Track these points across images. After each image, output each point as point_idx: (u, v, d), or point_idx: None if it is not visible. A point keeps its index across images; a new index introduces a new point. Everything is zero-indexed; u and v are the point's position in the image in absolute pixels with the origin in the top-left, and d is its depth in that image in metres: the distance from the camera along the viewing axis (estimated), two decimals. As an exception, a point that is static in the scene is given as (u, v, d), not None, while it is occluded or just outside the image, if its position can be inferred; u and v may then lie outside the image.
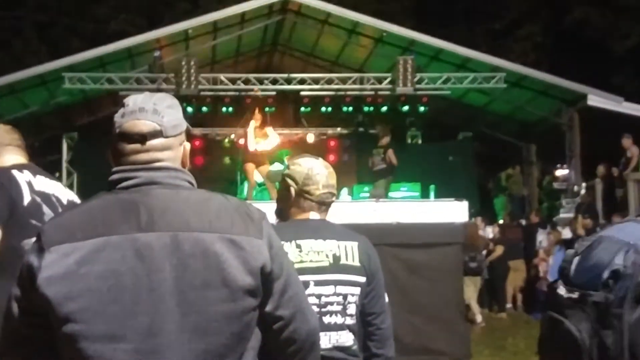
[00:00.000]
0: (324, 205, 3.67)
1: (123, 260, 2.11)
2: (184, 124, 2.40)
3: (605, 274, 1.90)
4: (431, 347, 10.69)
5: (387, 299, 3.76)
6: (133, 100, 2.34)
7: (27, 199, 3.48)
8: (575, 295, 1.98)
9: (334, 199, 3.71)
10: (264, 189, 16.98)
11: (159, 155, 2.30)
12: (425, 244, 11.06)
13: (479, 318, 14.36)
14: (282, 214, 3.74)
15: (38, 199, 3.52)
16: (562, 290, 2.03)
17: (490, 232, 17.27)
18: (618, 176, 17.85)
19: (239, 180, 19.05)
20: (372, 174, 17.51)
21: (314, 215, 3.65)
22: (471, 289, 14.40)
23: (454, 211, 11.53)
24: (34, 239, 2.19)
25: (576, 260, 2.03)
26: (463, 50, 19.83)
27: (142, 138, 2.28)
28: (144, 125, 2.29)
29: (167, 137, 2.31)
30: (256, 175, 16.13)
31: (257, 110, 16.33)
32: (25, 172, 3.59)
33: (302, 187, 3.67)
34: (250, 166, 15.70)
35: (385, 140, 17.96)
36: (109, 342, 2.06)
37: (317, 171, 3.68)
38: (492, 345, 12.25)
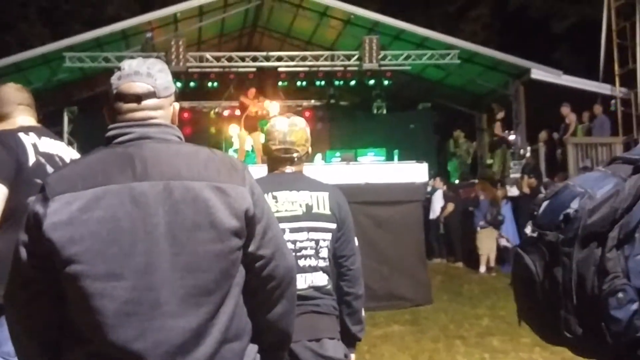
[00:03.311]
0: (284, 161, 3.63)
1: (121, 206, 2.10)
2: (173, 87, 2.39)
3: (560, 217, 1.92)
4: (396, 294, 10.76)
5: (356, 243, 3.75)
6: (128, 64, 2.32)
7: (32, 159, 3.45)
8: (535, 234, 2.00)
9: (295, 155, 3.64)
10: (246, 155, 16.97)
11: (153, 114, 2.29)
12: (390, 202, 11.09)
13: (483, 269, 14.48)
14: (268, 169, 3.75)
15: (42, 160, 3.49)
16: (528, 230, 2.05)
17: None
18: (558, 140, 18.01)
19: (223, 147, 19.07)
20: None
21: (289, 169, 3.64)
22: (492, 241, 14.49)
23: (415, 172, 11.49)
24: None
25: (544, 204, 2.04)
26: (422, 31, 19.80)
27: (137, 98, 2.28)
28: (139, 87, 2.28)
29: (159, 97, 2.31)
30: (246, 144, 16.06)
31: (251, 92, 15.99)
32: (31, 134, 3.56)
33: (265, 142, 3.69)
34: (242, 134, 15.60)
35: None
36: (108, 280, 2.06)
37: (278, 127, 3.65)
38: (450, 292, 12.34)
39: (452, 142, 21.98)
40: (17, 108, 3.72)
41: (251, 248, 2.27)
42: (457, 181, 19.85)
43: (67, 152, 3.73)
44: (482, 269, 14.44)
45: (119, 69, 2.34)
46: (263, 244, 2.30)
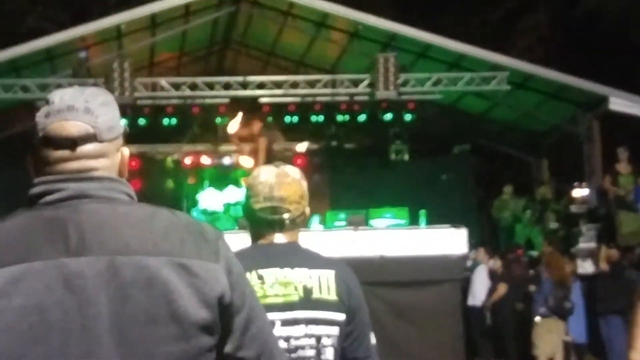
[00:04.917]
0: (271, 225, 3.62)
1: (48, 291, 2.07)
2: (122, 126, 2.38)
3: None
4: (425, 409, 10.72)
5: (373, 341, 3.72)
6: (60, 97, 2.29)
7: None
8: None
9: (286, 216, 3.62)
10: (216, 218, 17.02)
11: (92, 164, 2.27)
12: (416, 282, 11.10)
13: None
14: (251, 237, 3.75)
15: None
16: None
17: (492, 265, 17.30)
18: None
19: (185, 209, 19.03)
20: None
21: (279, 237, 3.62)
22: (557, 336, 14.40)
23: (450, 241, 11.53)
24: None
25: None
26: (456, 45, 19.98)
27: (72, 143, 2.25)
28: (73, 127, 2.25)
29: (102, 141, 2.28)
30: (207, 201, 16.08)
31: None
32: None
33: (246, 201, 3.70)
34: None
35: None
36: None
37: (261, 179, 3.65)
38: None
39: (499, 204, 21.94)
40: None
41: (228, 348, 2.26)
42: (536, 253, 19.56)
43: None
44: (544, 374, 14.36)
45: (46, 102, 2.31)
46: (244, 342, 2.29)
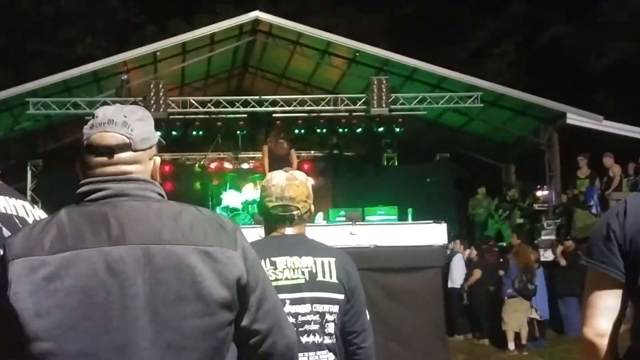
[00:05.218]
0: (283, 220, 3.64)
1: (93, 274, 2.09)
2: (155, 138, 2.40)
3: None
4: (410, 376, 10.65)
5: (367, 317, 3.73)
6: (103, 112, 2.33)
7: None
8: None
9: (295, 212, 3.64)
10: (236, 214, 16.97)
11: (128, 169, 2.29)
12: (404, 268, 11.03)
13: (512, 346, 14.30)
14: (264, 231, 3.76)
15: None
16: None
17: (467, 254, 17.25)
18: (600, 196, 17.92)
19: (210, 206, 19.00)
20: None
21: (289, 230, 3.63)
22: (522, 314, 14.37)
23: (433, 234, 11.48)
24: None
25: None
26: (438, 70, 19.95)
27: (110, 151, 2.28)
28: (112, 137, 2.28)
29: (135, 150, 2.30)
30: (229, 199, 16.00)
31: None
32: None
33: (261, 200, 3.71)
34: None
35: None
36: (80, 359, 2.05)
37: (274, 182, 3.67)
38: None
39: (474, 202, 21.93)
40: None
41: (244, 322, 2.27)
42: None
43: (30, 212, 3.71)
44: (511, 346, 14.29)
45: (93, 116, 2.34)
46: (258, 317, 2.29)
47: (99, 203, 2.23)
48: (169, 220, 2.21)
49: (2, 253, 2.16)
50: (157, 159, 2.41)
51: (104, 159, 2.28)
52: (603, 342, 2.35)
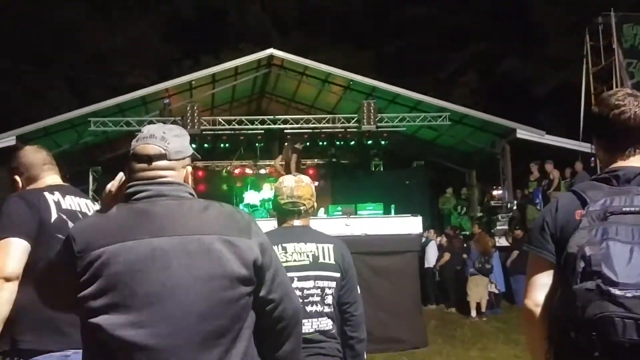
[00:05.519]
0: (292, 214, 3.65)
1: (138, 261, 2.11)
2: (189, 151, 2.42)
3: None
4: (394, 337, 10.59)
5: (358, 291, 3.74)
6: (147, 128, 2.37)
7: (54, 216, 3.42)
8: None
9: (302, 208, 3.66)
10: (255, 209, 16.98)
11: (163, 173, 2.32)
12: (388, 252, 11.00)
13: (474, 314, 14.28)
14: (277, 222, 3.77)
15: (64, 216, 3.46)
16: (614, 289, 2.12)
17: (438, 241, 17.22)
18: (543, 195, 17.96)
19: (234, 203, 18.99)
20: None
21: (297, 222, 3.65)
22: (482, 288, 14.38)
23: (410, 225, 11.47)
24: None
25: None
26: (415, 95, 20.00)
27: (149, 159, 2.31)
28: (152, 149, 2.32)
29: (170, 160, 2.33)
30: (249, 198, 15.99)
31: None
32: (56, 193, 3.53)
33: (275, 198, 3.71)
34: None
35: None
36: (131, 329, 2.06)
37: (285, 184, 3.69)
38: (445, 335, 12.19)
39: (443, 199, 21.95)
40: (43, 169, 3.72)
41: (262, 293, 2.29)
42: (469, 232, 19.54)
43: (91, 209, 3.71)
44: (473, 314, 14.28)
45: (140, 132, 2.38)
46: (272, 288, 2.32)
47: (143, 202, 2.25)
48: (198, 215, 2.24)
49: (68, 244, 2.18)
50: (189, 168, 2.43)
51: (144, 165, 2.31)
52: (539, 310, 2.38)
